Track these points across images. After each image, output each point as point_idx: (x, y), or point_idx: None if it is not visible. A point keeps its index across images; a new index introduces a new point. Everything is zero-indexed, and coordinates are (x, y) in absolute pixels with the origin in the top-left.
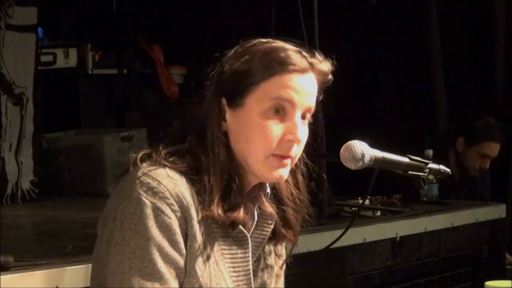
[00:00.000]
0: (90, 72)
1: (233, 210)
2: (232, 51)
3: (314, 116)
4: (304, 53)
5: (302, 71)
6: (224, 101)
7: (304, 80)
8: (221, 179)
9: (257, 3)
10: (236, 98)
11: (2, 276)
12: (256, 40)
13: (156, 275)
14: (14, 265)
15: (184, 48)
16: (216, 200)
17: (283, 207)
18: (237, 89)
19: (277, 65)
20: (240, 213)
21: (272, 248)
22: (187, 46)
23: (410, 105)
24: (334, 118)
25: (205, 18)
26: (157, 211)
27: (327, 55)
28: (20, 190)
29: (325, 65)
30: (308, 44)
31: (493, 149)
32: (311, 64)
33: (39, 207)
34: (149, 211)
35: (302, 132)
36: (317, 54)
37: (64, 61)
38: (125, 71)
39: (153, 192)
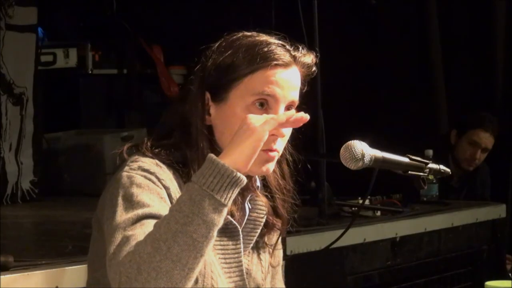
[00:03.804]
0: (90, 72)
1: None
2: (216, 45)
3: (314, 116)
4: (287, 46)
5: (286, 65)
6: (208, 95)
7: (287, 74)
8: None
9: (257, 3)
10: (219, 92)
11: (2, 276)
12: (240, 34)
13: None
14: (14, 265)
15: (184, 48)
16: None
17: (272, 197)
18: (220, 84)
19: (260, 60)
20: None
21: (263, 240)
22: (187, 46)
23: (410, 105)
24: (334, 118)
25: (205, 18)
26: (147, 181)
27: (327, 55)
28: (20, 190)
29: (309, 58)
30: (308, 44)
31: (482, 137)
32: (294, 58)
33: (39, 207)
34: (139, 181)
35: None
36: (300, 47)
37: (64, 61)
38: (125, 71)
39: (143, 169)
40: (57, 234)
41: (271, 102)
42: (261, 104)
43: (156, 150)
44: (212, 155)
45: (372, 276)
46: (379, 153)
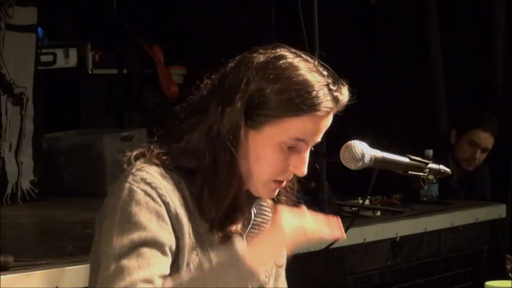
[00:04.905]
0: (90, 72)
1: (231, 223)
2: (261, 62)
3: None
4: (331, 85)
5: (328, 113)
6: (243, 115)
7: (327, 120)
8: (227, 194)
9: (257, 3)
10: (256, 120)
11: (2, 276)
12: (288, 60)
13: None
14: (14, 265)
15: (184, 48)
16: (218, 217)
17: (277, 197)
18: (260, 113)
19: (306, 108)
20: (238, 226)
21: None
22: (187, 46)
23: (410, 105)
24: (334, 118)
25: (205, 18)
26: (147, 198)
27: (327, 55)
28: (20, 190)
29: (347, 97)
30: (308, 44)
31: (481, 137)
32: (336, 101)
33: (39, 207)
34: (138, 197)
35: (307, 165)
36: (342, 87)
37: (64, 61)
38: (125, 71)
39: (146, 182)
40: (57, 234)
41: (301, 145)
42: (290, 147)
43: (164, 158)
44: (238, 252)
45: (372, 276)
46: (379, 153)
